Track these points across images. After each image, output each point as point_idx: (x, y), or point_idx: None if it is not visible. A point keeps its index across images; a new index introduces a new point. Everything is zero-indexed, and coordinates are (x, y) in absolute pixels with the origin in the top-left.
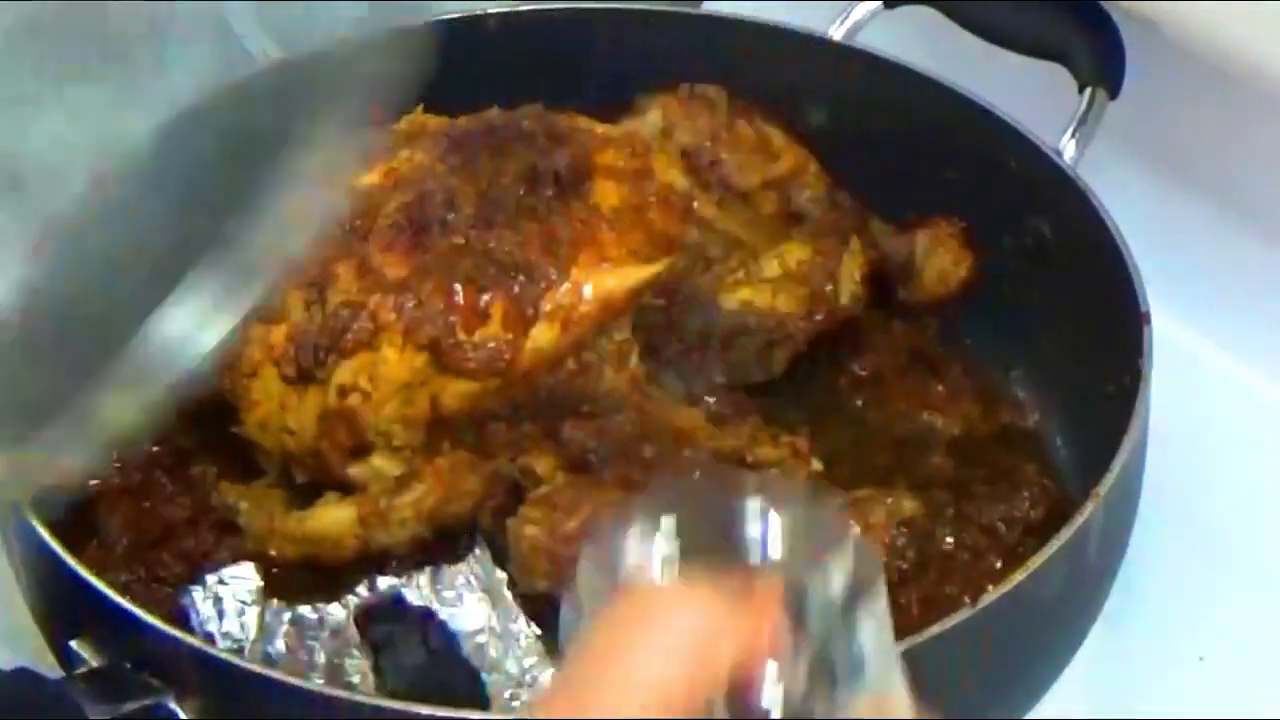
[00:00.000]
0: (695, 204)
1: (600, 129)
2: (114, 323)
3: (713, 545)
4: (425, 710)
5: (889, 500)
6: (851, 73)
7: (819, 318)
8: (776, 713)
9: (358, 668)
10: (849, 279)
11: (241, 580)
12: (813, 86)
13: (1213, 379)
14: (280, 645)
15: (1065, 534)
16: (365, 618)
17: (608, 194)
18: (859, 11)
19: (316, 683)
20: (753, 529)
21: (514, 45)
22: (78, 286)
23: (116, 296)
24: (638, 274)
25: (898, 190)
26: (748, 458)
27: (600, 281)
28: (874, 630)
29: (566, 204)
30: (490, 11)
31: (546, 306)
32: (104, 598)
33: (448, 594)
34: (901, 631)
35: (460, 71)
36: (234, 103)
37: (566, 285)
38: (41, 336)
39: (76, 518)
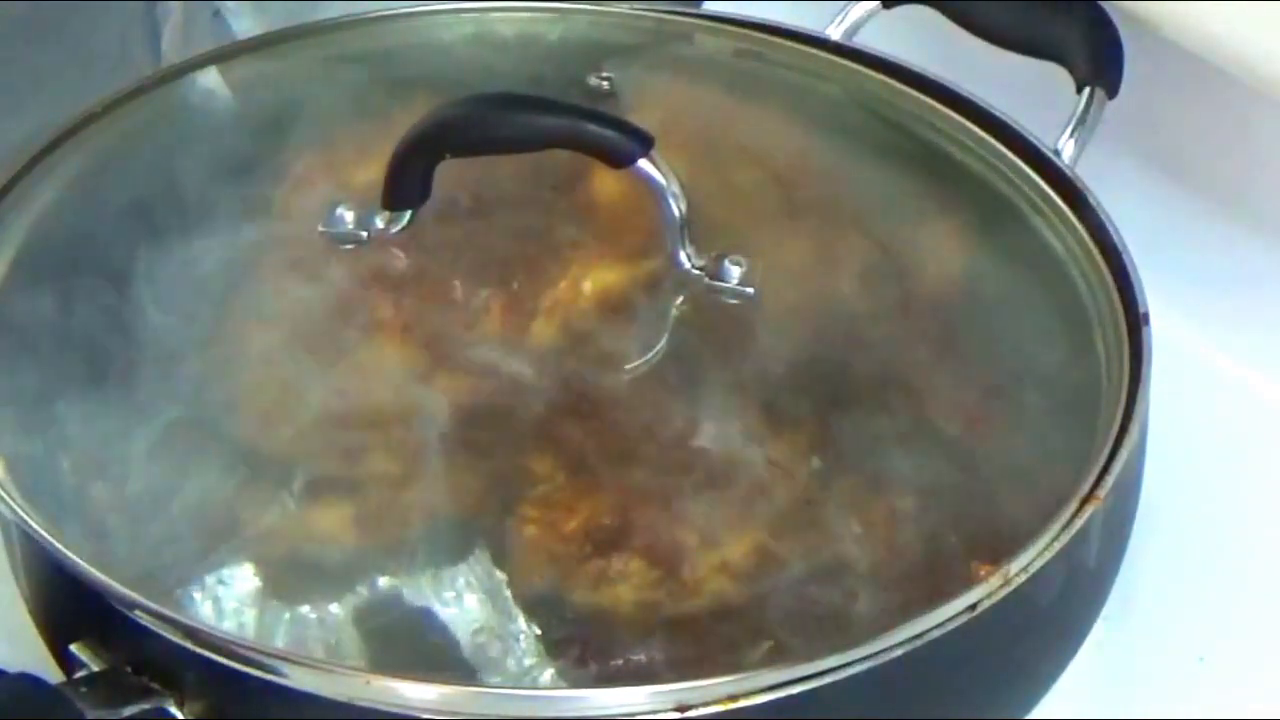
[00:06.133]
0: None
1: None
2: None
3: None
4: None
5: (889, 499)
6: (849, 72)
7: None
8: None
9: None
10: (849, 275)
11: (241, 580)
12: (810, 85)
13: (1213, 379)
14: (280, 646)
15: (1065, 535)
16: (365, 618)
17: (606, 188)
18: (857, 11)
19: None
20: None
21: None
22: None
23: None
24: (636, 268)
25: (896, 189)
26: (747, 455)
27: (599, 277)
28: None
29: (564, 199)
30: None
31: (546, 303)
32: (104, 601)
33: (448, 594)
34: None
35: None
36: None
37: (565, 281)
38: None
39: (76, 519)
